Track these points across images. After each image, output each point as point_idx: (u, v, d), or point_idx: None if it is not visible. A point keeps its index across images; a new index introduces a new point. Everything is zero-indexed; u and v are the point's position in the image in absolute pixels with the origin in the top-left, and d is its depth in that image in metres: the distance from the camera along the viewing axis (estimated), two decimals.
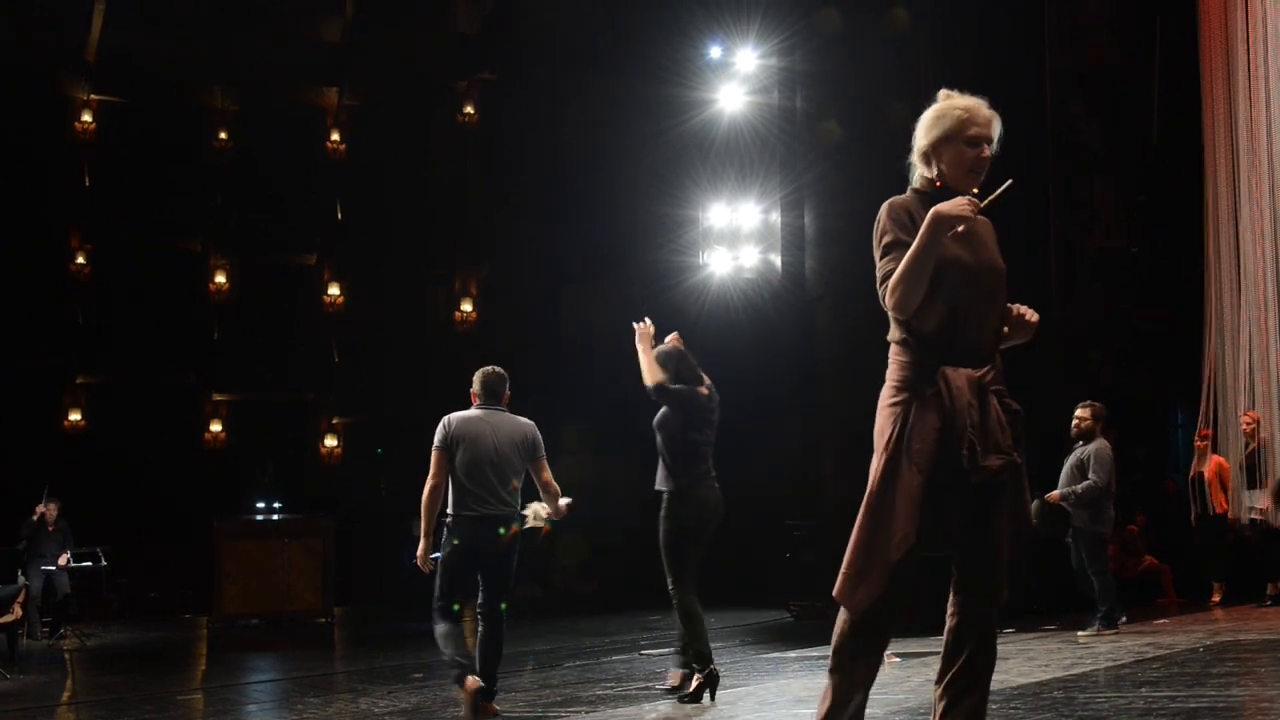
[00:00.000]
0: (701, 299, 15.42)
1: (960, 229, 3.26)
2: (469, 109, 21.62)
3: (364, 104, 21.23)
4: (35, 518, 12.86)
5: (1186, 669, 6.42)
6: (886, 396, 3.35)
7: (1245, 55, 11.60)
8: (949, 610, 3.38)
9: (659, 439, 6.46)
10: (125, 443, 18.07)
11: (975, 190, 3.34)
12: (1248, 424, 11.26)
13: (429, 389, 17.54)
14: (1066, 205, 12.75)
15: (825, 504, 12.05)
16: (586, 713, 6.31)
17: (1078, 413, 9.21)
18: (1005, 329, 3.47)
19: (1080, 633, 8.84)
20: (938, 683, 3.36)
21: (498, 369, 6.27)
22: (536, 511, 6.25)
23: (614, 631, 11.36)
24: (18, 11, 17.37)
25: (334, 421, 20.90)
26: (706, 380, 6.59)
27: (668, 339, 6.62)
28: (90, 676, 10.46)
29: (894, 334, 3.39)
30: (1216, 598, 11.19)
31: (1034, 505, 8.82)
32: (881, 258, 3.34)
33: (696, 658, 6.25)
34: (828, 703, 3.33)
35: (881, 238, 3.35)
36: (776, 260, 14.76)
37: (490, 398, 6.18)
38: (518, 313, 20.27)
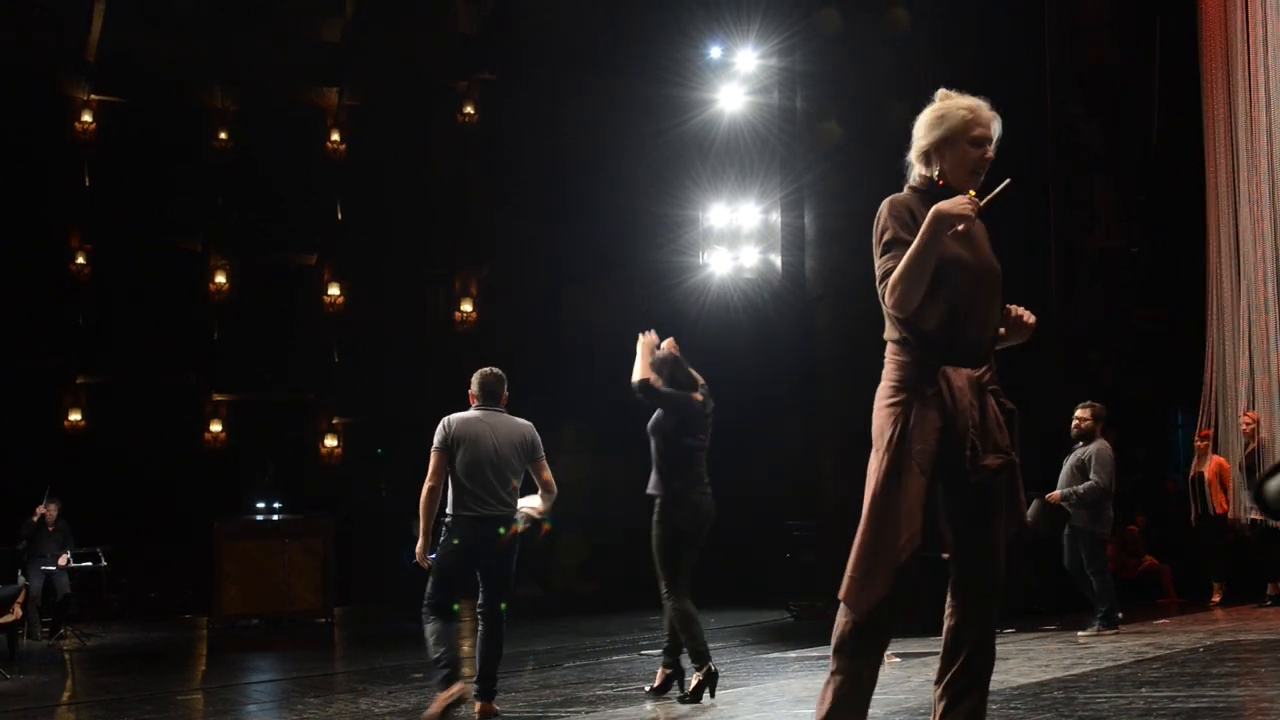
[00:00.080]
0: (701, 299, 15.43)
1: (961, 228, 3.27)
2: (469, 109, 21.62)
3: (364, 104, 21.23)
4: (35, 518, 12.86)
5: (1187, 669, 6.42)
6: (885, 396, 3.34)
7: (1245, 55, 11.60)
8: (947, 610, 3.38)
9: (653, 443, 6.49)
10: (125, 443, 18.07)
11: (971, 192, 3.34)
12: (1247, 424, 11.26)
13: (429, 389, 17.55)
14: (1066, 205, 12.75)
15: (825, 504, 12.06)
16: (586, 713, 6.31)
17: (1078, 413, 9.21)
18: (1003, 330, 3.48)
19: (1080, 633, 8.84)
20: (937, 683, 3.36)
21: (495, 370, 6.28)
22: (527, 514, 6.24)
23: (614, 631, 11.36)
24: (18, 11, 17.36)
25: (334, 421, 20.90)
26: (701, 382, 6.61)
27: (664, 344, 6.63)
28: (90, 677, 10.45)
29: (892, 333, 3.38)
30: (1217, 598, 11.19)
31: (1033, 505, 8.88)
32: (881, 255, 3.33)
33: (694, 657, 6.27)
34: (827, 703, 3.33)
35: (882, 235, 3.34)
36: (776, 260, 14.76)
37: (488, 399, 6.19)
38: (518, 313, 20.27)
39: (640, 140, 16.46)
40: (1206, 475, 11.45)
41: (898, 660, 7.27)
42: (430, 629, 5.90)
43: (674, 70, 15.28)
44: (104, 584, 15.27)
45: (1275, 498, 6.53)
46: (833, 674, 3.33)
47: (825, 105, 12.50)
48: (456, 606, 6.04)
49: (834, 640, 3.34)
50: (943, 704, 3.32)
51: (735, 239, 15.51)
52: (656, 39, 15.81)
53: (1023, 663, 7.14)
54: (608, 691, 7.09)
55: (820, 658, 7.23)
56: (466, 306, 21.52)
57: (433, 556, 6.04)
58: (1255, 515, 10.93)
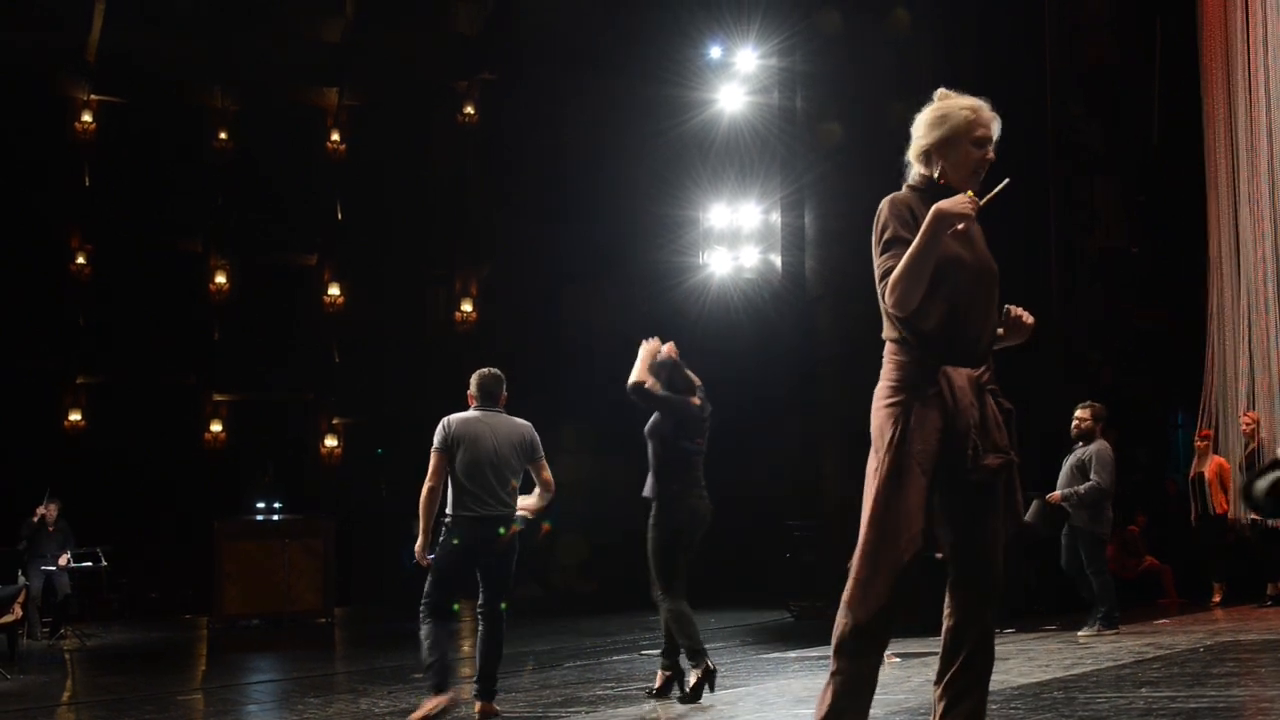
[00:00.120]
0: (702, 299, 15.43)
1: (961, 226, 3.26)
2: (469, 109, 21.62)
3: (364, 104, 21.24)
4: (35, 518, 12.86)
5: (1187, 669, 6.42)
6: (884, 395, 3.32)
7: (1245, 55, 11.60)
8: (945, 610, 3.37)
9: (650, 446, 6.52)
10: (125, 443, 18.08)
11: (969, 192, 3.33)
12: (1247, 424, 11.26)
13: (429, 389, 17.56)
14: (1066, 205, 12.74)
15: (825, 504, 12.05)
16: (587, 713, 6.31)
17: (1077, 413, 9.21)
18: (1000, 330, 3.48)
19: (1080, 633, 8.84)
20: (937, 683, 3.36)
21: (494, 371, 6.29)
22: (520, 514, 6.25)
23: (614, 631, 11.36)
24: (18, 11, 17.36)
25: (334, 421, 20.91)
26: (698, 383, 6.64)
27: (664, 348, 6.65)
28: (90, 677, 10.45)
29: (891, 332, 3.36)
30: (1217, 598, 11.19)
31: (1033, 505, 8.88)
32: (881, 254, 3.31)
33: (691, 655, 6.29)
34: (827, 704, 3.33)
35: (882, 234, 3.32)
36: (777, 260, 14.77)
37: (486, 399, 6.20)
38: (518, 313, 20.28)
39: (640, 140, 16.47)
40: (1207, 475, 11.45)
41: (898, 660, 7.27)
42: (424, 631, 5.91)
43: (674, 70, 15.28)
44: (104, 584, 15.27)
45: (1262, 496, 6.54)
46: (833, 674, 3.33)
47: (825, 105, 12.49)
48: (456, 606, 6.05)
49: (834, 641, 3.34)
50: (942, 704, 3.32)
51: (735, 239, 15.51)
52: (656, 39, 15.81)
53: (1023, 663, 7.13)
54: (608, 691, 7.10)
55: (820, 658, 7.23)
56: (466, 306, 21.52)
57: (432, 556, 6.05)
58: (1255, 515, 10.93)
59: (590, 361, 16.96)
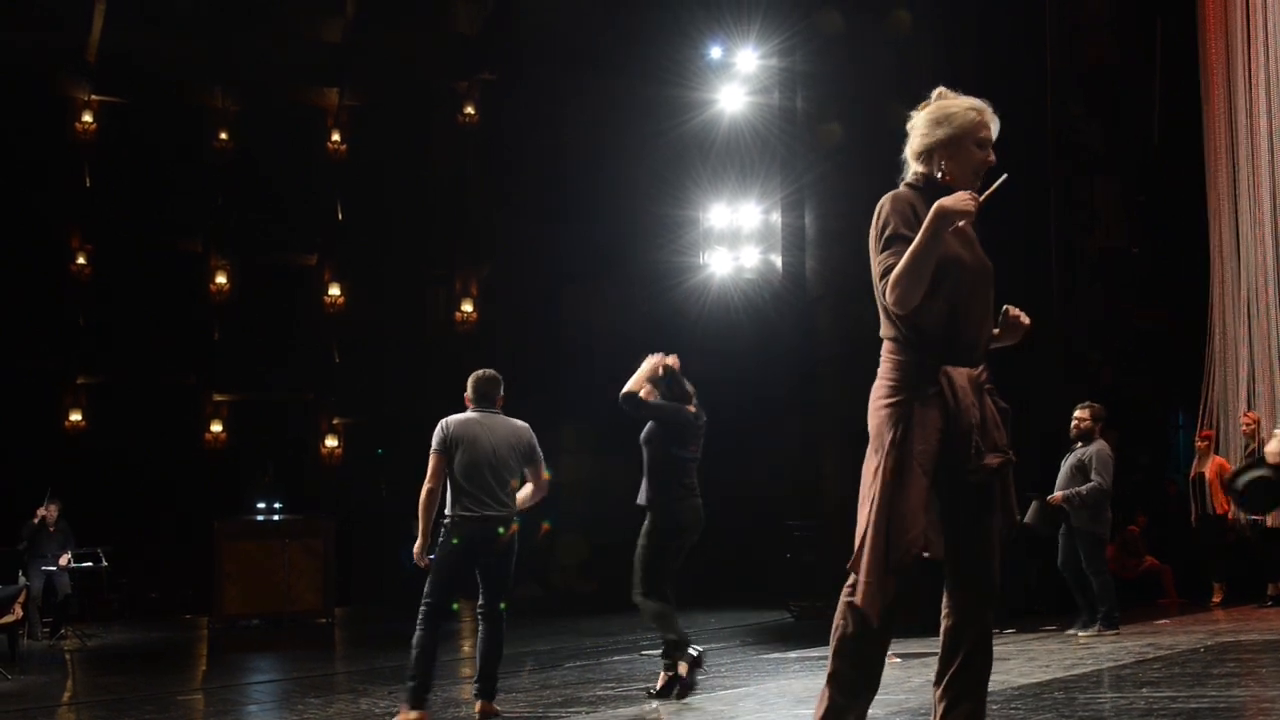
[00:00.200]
0: (702, 299, 15.43)
1: (962, 224, 3.25)
2: (469, 109, 21.62)
3: (364, 104, 21.24)
4: (36, 520, 12.86)
5: (1187, 669, 6.42)
6: (882, 395, 3.30)
7: (1245, 55, 11.60)
8: (944, 611, 3.36)
9: (645, 453, 6.60)
10: (126, 443, 18.08)
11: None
12: (1248, 425, 11.26)
13: (429, 389, 17.56)
14: (1067, 205, 12.74)
15: (825, 504, 12.05)
16: (587, 713, 6.31)
17: (1076, 413, 9.20)
18: (997, 330, 3.47)
19: (1081, 633, 8.84)
20: (936, 684, 3.36)
21: (491, 373, 6.32)
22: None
23: (614, 632, 11.35)
24: (18, 11, 17.37)
25: (334, 422, 20.91)
26: (691, 390, 6.72)
27: (668, 359, 6.72)
28: (91, 677, 10.46)
29: (889, 330, 3.34)
30: (1217, 598, 11.18)
31: (1032, 506, 8.88)
32: (882, 251, 3.28)
33: (677, 647, 6.37)
34: (826, 705, 3.33)
35: (883, 231, 3.29)
36: (777, 261, 14.77)
37: (483, 401, 6.22)
38: (518, 313, 20.28)
39: (640, 140, 16.47)
40: (1207, 476, 11.44)
41: (898, 660, 7.27)
42: (417, 638, 5.92)
43: (674, 70, 15.28)
44: (104, 584, 15.27)
45: (1240, 490, 6.56)
46: (832, 674, 3.33)
47: (826, 106, 12.50)
48: (456, 606, 6.05)
49: (833, 641, 3.33)
50: (942, 705, 3.31)
51: (736, 239, 15.51)
52: (656, 39, 15.81)
53: (1023, 663, 7.13)
54: (608, 692, 7.09)
55: (820, 658, 7.22)
56: (467, 306, 21.52)
57: (432, 557, 6.05)
58: (1255, 515, 10.93)
59: (590, 361, 16.97)
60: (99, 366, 19.34)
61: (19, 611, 10.82)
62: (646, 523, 6.52)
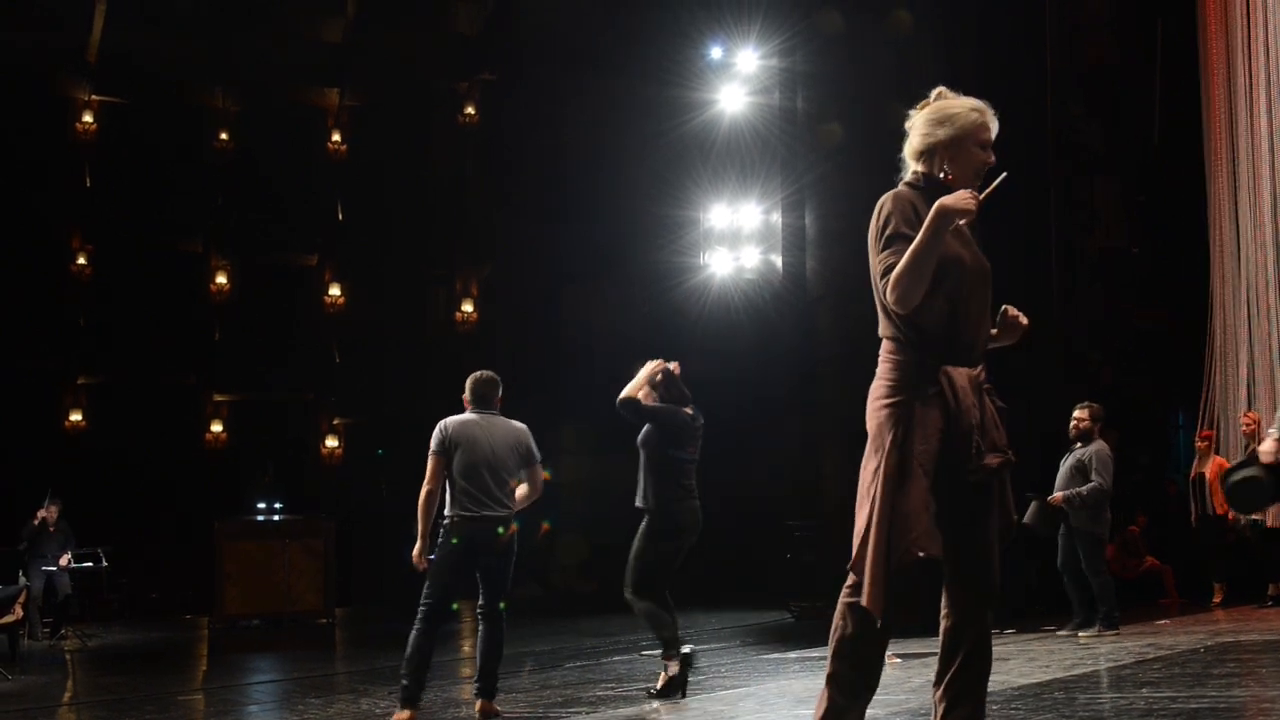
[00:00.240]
0: (702, 300, 15.43)
1: (963, 222, 3.25)
2: (469, 109, 21.63)
3: (364, 104, 21.24)
4: (36, 522, 12.85)
5: (1188, 669, 6.42)
6: (882, 395, 3.29)
7: (1245, 55, 11.59)
8: (943, 612, 3.36)
9: (643, 456, 6.64)
10: (126, 443, 18.08)
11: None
12: (1248, 425, 11.25)
13: (429, 389, 17.56)
14: (1067, 205, 12.74)
15: (825, 504, 12.05)
16: (587, 713, 6.31)
17: (1075, 414, 9.20)
18: (994, 330, 3.47)
19: (1081, 634, 8.84)
20: (936, 685, 3.35)
21: (489, 374, 6.34)
22: None
23: (614, 632, 11.35)
24: (18, 11, 17.37)
25: (335, 422, 20.91)
26: (688, 393, 6.75)
27: (670, 365, 6.76)
28: (91, 677, 10.46)
29: (888, 330, 3.32)
30: (1218, 598, 11.18)
31: (1031, 506, 8.88)
32: (883, 250, 3.26)
33: (669, 645, 6.43)
34: (825, 705, 3.33)
35: (884, 229, 3.27)
36: (777, 261, 14.76)
37: (480, 403, 6.24)
38: (518, 313, 20.29)
39: (641, 141, 16.47)
40: (1207, 476, 11.44)
41: (898, 661, 7.27)
42: (412, 637, 5.95)
43: (674, 71, 15.28)
44: (105, 584, 15.27)
45: (1232, 489, 6.55)
46: (831, 675, 3.33)
47: (826, 106, 12.49)
48: (455, 606, 6.06)
49: (832, 643, 3.33)
50: (943, 706, 3.31)
51: (736, 239, 15.51)
52: (657, 39, 15.81)
53: (1024, 663, 7.13)
54: (608, 692, 7.09)
55: (820, 658, 7.22)
56: (467, 306, 21.52)
57: (432, 557, 6.06)
58: (1256, 515, 10.93)
59: (590, 361, 16.97)
60: (99, 366, 19.34)
61: (19, 612, 10.82)
62: (645, 523, 6.55)
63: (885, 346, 3.34)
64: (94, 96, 19.86)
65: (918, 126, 3.42)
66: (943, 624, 3.36)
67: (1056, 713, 5.07)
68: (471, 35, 20.89)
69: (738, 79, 14.84)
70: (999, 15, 11.71)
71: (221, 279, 20.42)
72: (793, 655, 8.78)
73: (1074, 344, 12.35)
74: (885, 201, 3.33)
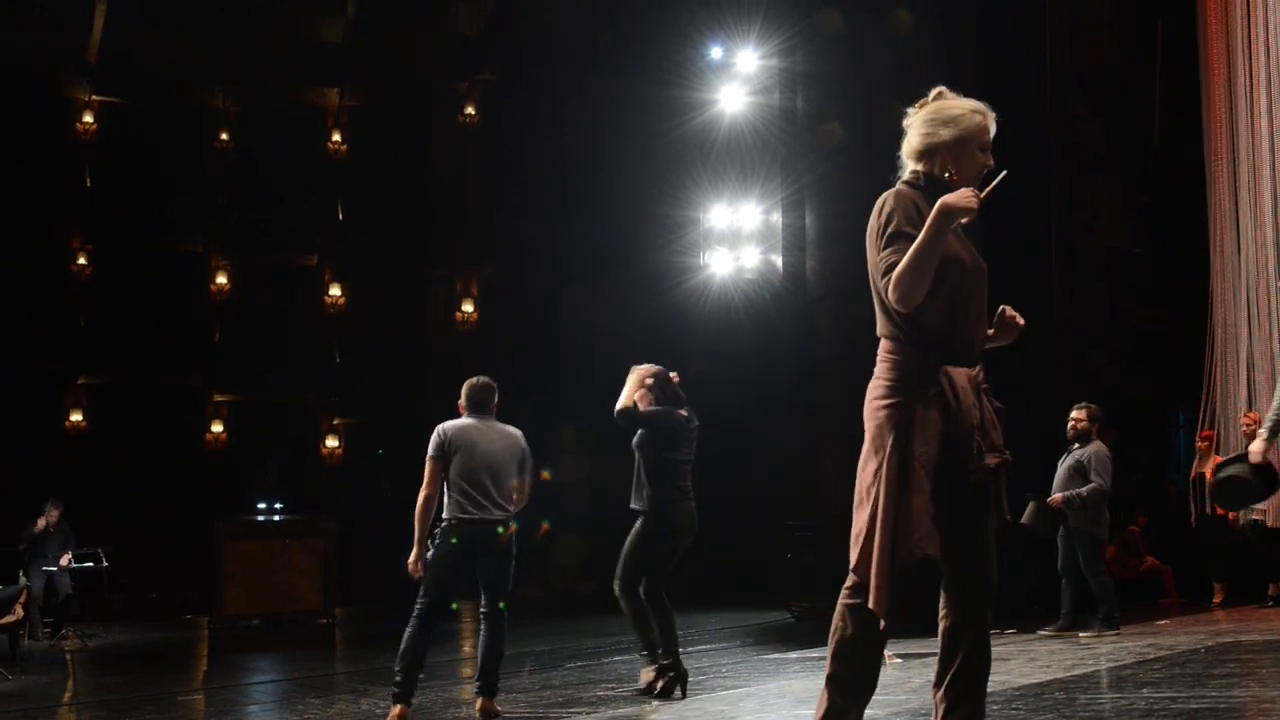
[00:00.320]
0: (702, 300, 15.43)
1: (965, 221, 3.24)
2: (469, 109, 21.63)
3: (365, 104, 21.25)
4: (38, 529, 12.83)
5: (1188, 670, 6.41)
6: (881, 395, 3.27)
7: (1245, 55, 11.59)
8: (942, 611, 3.35)
9: (638, 458, 6.66)
10: (126, 443, 18.09)
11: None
12: (1248, 425, 11.24)
13: (430, 389, 17.55)
14: (1068, 206, 12.74)
15: (826, 504, 12.04)
16: (588, 713, 6.31)
17: (1073, 414, 9.20)
18: (991, 330, 3.46)
19: (1082, 634, 8.85)
20: (936, 686, 3.35)
21: (486, 380, 6.36)
22: None
23: (614, 632, 11.34)
24: (18, 11, 17.38)
25: (335, 422, 20.91)
26: (682, 396, 6.78)
27: (671, 374, 6.80)
28: (92, 677, 10.46)
29: (888, 329, 3.30)
30: (1218, 599, 11.18)
31: (1030, 507, 8.88)
32: (885, 248, 3.24)
33: (648, 649, 6.51)
34: (825, 707, 3.32)
35: (886, 226, 3.25)
36: (778, 261, 14.75)
37: (476, 409, 6.26)
38: (518, 313, 20.29)
39: (641, 141, 16.46)
40: (1208, 476, 11.43)
41: (899, 661, 7.27)
42: (406, 635, 5.98)
43: (675, 71, 15.28)
44: (105, 584, 15.27)
45: (1215, 487, 6.56)
46: (831, 677, 3.33)
47: (826, 106, 12.49)
48: (455, 606, 6.07)
49: (832, 644, 3.33)
50: (943, 706, 3.31)
51: (736, 239, 15.51)
52: (657, 39, 15.81)
53: (1024, 663, 7.13)
54: (609, 692, 7.09)
55: (821, 658, 7.23)
56: (467, 307, 21.53)
57: (430, 555, 6.07)
58: (1256, 516, 10.93)
59: (590, 361, 16.96)
60: (100, 367, 19.35)
61: (20, 612, 10.82)
62: (639, 524, 6.60)
63: (884, 346, 3.33)
64: (94, 96, 19.87)
65: (917, 126, 3.40)
66: (941, 624, 3.35)
67: (1057, 713, 5.07)
68: (471, 35, 20.90)
69: (738, 79, 14.83)
70: (999, 15, 11.71)
71: (221, 279, 20.42)
72: (793, 655, 8.77)
73: (1075, 344, 12.34)
74: (887, 199, 3.31)
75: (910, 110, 3.45)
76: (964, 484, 3.25)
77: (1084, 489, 8.92)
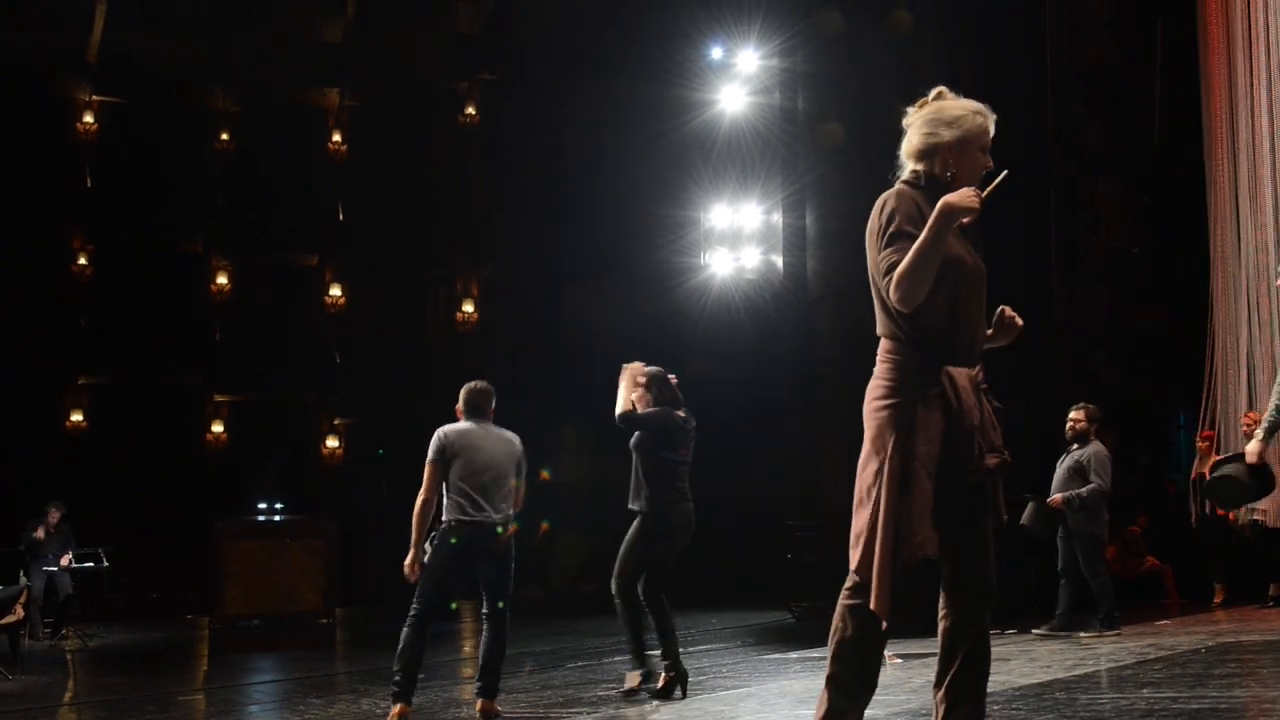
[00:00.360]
0: (703, 300, 15.43)
1: (967, 220, 3.24)
2: (469, 109, 21.63)
3: (365, 104, 21.25)
4: (39, 534, 12.82)
5: (1188, 670, 6.41)
6: (881, 395, 3.26)
7: (1245, 55, 11.59)
8: (941, 612, 3.35)
9: (635, 458, 6.67)
10: (127, 443, 18.09)
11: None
12: (1249, 425, 11.24)
13: (430, 389, 17.56)
14: (1068, 206, 12.74)
15: (826, 504, 12.04)
16: (588, 713, 6.31)
17: (1072, 415, 9.19)
18: (990, 330, 3.46)
19: (1083, 634, 8.84)
20: (937, 686, 3.35)
21: (483, 384, 6.39)
22: None
23: (615, 632, 11.27)
24: (18, 11, 17.38)
25: (335, 422, 20.91)
26: (679, 396, 6.78)
27: (670, 376, 6.81)
28: (92, 677, 10.46)
29: (889, 329, 3.29)
30: (1218, 599, 11.17)
31: (1029, 507, 8.87)
32: (886, 247, 3.23)
33: (635, 651, 6.55)
34: (825, 707, 3.32)
35: (887, 226, 3.24)
36: (778, 261, 14.76)
37: (474, 413, 6.28)
38: (518, 313, 20.29)
39: (641, 141, 16.47)
40: (1208, 476, 11.42)
41: (899, 661, 7.27)
42: (404, 634, 6.00)
43: (675, 71, 15.28)
44: (106, 584, 15.27)
45: (1209, 487, 6.56)
46: (831, 677, 3.32)
47: (827, 106, 12.49)
48: (454, 606, 6.08)
49: (832, 644, 3.33)
50: (943, 707, 3.31)
51: (737, 240, 15.51)
52: (657, 39, 15.81)
53: (1024, 663, 7.13)
54: (609, 692, 7.09)
55: (821, 658, 7.23)
56: (467, 307, 21.53)
57: (427, 556, 6.08)
58: (1256, 516, 10.93)
59: (590, 361, 16.94)
60: (100, 367, 19.35)
61: (20, 612, 10.82)
62: (637, 524, 6.61)
63: (884, 346, 3.32)
64: (94, 96, 19.87)
65: (918, 126, 3.39)
66: (941, 625, 3.35)
67: (1057, 713, 5.07)
68: (471, 35, 20.90)
69: (738, 79, 14.83)
70: (999, 15, 11.71)
71: (221, 279, 20.43)
72: (793, 655, 8.77)
73: (1076, 344, 12.34)
74: (888, 199, 3.30)
75: (910, 110, 3.44)
76: (964, 484, 3.25)
77: (1083, 490, 8.92)
